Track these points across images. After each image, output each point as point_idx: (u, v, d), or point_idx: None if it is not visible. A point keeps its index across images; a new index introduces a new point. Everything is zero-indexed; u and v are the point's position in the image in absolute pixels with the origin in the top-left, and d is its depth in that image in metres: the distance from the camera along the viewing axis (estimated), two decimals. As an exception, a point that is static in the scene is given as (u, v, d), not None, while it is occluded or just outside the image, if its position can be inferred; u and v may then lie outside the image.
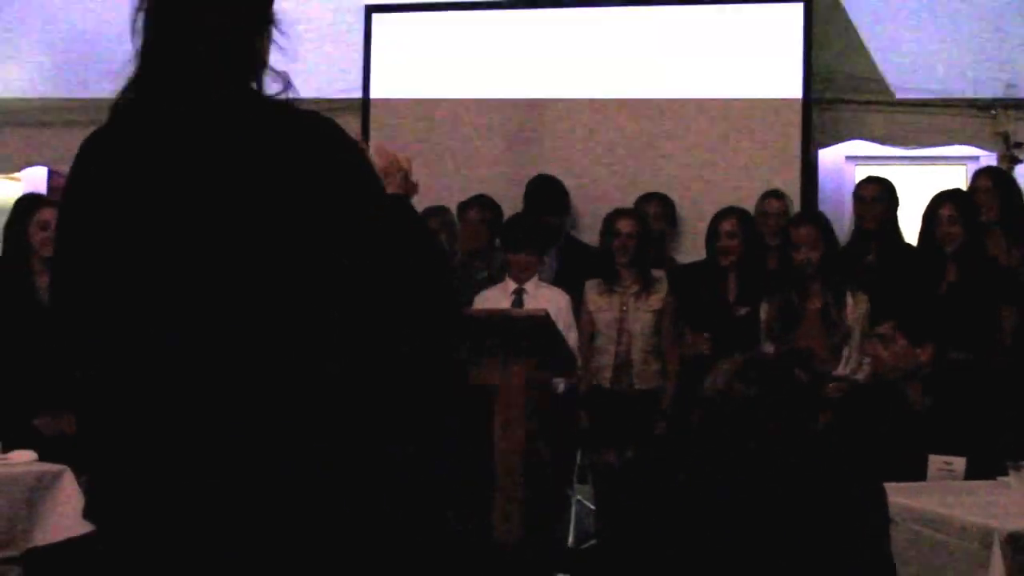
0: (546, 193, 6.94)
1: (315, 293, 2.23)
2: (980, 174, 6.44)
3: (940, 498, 3.93)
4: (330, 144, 2.28)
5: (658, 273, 6.36)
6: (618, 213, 6.38)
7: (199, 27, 2.24)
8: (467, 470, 3.59)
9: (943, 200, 5.86)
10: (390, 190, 2.47)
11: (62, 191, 2.32)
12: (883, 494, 3.20)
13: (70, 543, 4.00)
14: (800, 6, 7.25)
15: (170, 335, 2.19)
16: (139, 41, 2.28)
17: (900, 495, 3.97)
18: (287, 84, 2.32)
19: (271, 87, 2.33)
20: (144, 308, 2.21)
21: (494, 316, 4.46)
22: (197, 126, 2.23)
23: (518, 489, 4.08)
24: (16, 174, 8.39)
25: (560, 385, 5.99)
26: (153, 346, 2.20)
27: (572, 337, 6.13)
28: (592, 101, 7.29)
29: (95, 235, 2.25)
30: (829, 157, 7.80)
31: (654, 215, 6.79)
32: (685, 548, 2.95)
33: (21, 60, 8.05)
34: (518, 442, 4.14)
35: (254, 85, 2.30)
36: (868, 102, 7.53)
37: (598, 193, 7.09)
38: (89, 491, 2.34)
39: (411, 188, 2.62)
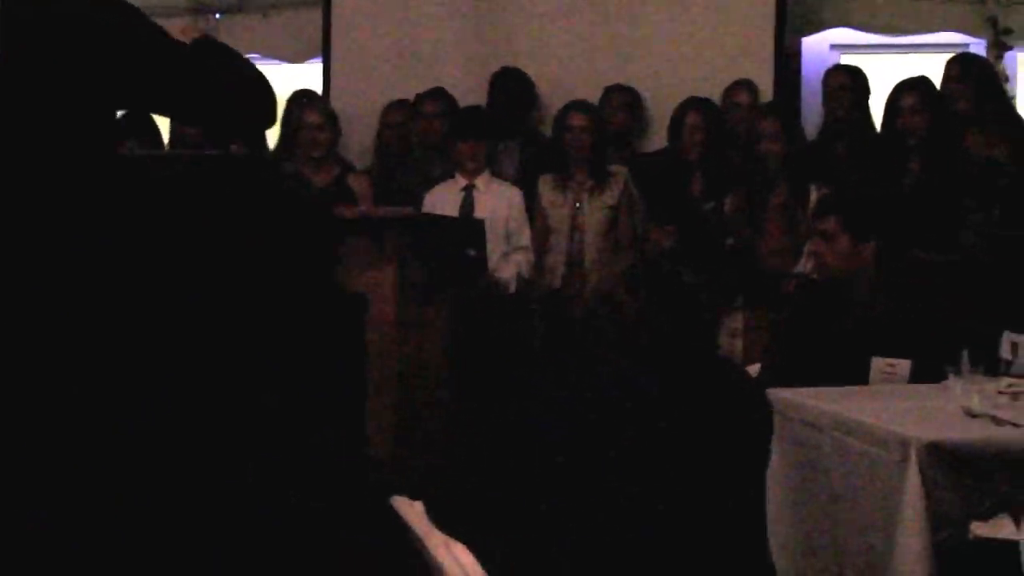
0: (511, 86, 6.67)
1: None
2: (950, 62, 6.12)
3: (866, 404, 3.72)
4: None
5: (615, 168, 6.13)
6: (570, 107, 6.14)
7: None
8: (341, 381, 3.42)
9: (905, 89, 5.60)
10: None
11: None
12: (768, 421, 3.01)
13: None
14: None
15: None
16: None
17: (827, 401, 3.78)
18: None
19: None
20: None
21: (362, 217, 4.29)
22: None
23: (390, 402, 3.93)
24: None
25: (511, 284, 5.78)
26: None
27: (525, 235, 5.94)
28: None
29: None
30: (813, 45, 7.50)
31: (619, 106, 6.54)
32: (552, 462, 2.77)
33: None
34: (390, 352, 3.97)
35: None
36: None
37: (563, 86, 6.80)
38: None
39: None
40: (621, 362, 2.87)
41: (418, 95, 6.61)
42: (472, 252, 5.11)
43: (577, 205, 6.01)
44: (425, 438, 4.25)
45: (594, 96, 6.55)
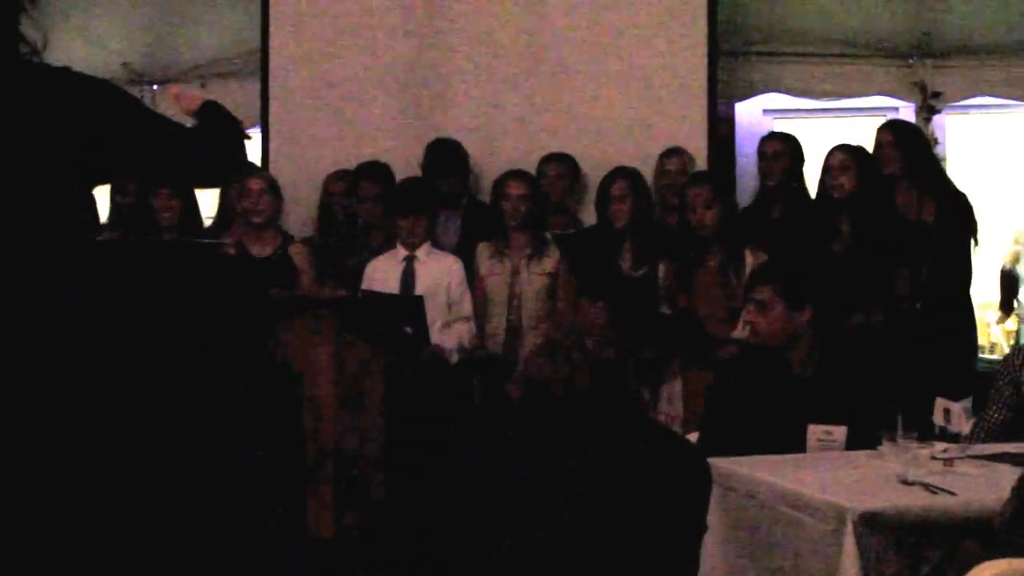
0: (445, 157, 6.65)
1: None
2: (881, 128, 6.23)
3: (802, 474, 3.76)
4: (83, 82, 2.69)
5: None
6: (508, 175, 6.19)
7: None
8: (277, 459, 3.41)
9: (835, 151, 5.72)
10: None
11: None
12: (708, 483, 3.03)
13: None
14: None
15: None
16: None
17: (763, 470, 3.82)
18: (35, 51, 2.76)
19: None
20: None
21: (300, 298, 4.32)
22: None
23: (329, 480, 3.92)
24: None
25: (453, 354, 5.80)
26: None
27: (467, 305, 5.96)
28: (491, 59, 7.05)
29: None
30: (746, 110, 7.63)
31: (556, 175, 6.57)
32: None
33: None
34: (327, 430, 3.97)
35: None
36: (781, 53, 7.36)
37: (500, 156, 6.84)
38: None
39: None
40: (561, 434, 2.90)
41: (354, 175, 6.57)
42: (409, 330, 5.10)
43: (515, 273, 6.05)
44: (366, 515, 4.24)
45: (531, 167, 6.59)
